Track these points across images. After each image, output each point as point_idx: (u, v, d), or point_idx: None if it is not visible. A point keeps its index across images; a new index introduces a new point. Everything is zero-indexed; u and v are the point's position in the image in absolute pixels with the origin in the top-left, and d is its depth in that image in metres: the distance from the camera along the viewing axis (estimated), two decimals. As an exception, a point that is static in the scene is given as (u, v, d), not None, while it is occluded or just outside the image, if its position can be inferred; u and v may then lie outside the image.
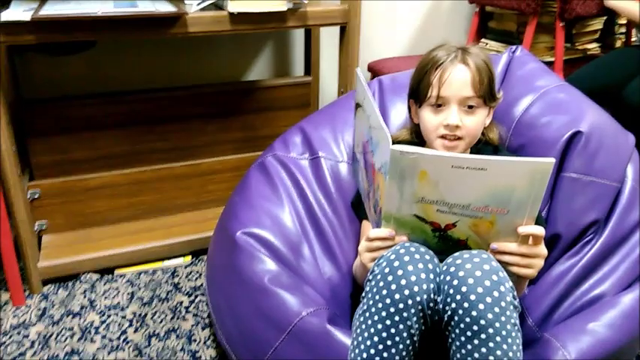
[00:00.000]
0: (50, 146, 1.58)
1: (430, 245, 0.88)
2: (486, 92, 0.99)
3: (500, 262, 0.84)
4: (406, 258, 0.83)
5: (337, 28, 1.59)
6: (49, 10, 1.23)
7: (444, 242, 0.88)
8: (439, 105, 0.99)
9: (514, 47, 1.35)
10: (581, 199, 1.09)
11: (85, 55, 1.66)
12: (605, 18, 2.07)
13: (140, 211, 1.66)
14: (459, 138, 0.99)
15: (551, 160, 0.77)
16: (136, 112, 1.66)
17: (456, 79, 0.97)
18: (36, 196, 1.52)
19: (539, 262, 0.86)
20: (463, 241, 0.87)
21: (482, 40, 2.11)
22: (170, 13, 1.30)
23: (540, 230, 0.84)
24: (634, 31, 1.94)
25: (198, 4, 1.37)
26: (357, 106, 1.05)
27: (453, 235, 0.87)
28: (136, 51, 1.77)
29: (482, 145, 1.09)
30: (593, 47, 2.07)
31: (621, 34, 2.15)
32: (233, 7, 1.35)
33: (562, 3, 1.81)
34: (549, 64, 1.81)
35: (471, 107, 0.99)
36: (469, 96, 0.97)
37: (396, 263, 0.83)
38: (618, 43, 2.15)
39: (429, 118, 1.00)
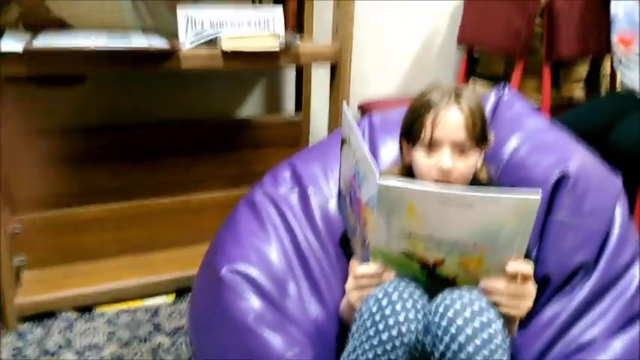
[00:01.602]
0: (35, 179, 1.56)
1: (418, 282, 0.87)
2: (479, 135, 0.99)
3: (489, 301, 0.83)
4: (394, 297, 0.81)
5: (328, 68, 1.61)
6: (42, 43, 1.23)
7: (432, 280, 0.86)
8: (431, 146, 0.99)
9: (501, 88, 1.37)
10: (570, 241, 1.09)
11: (75, 89, 1.66)
12: (588, 66, 2.12)
13: (124, 247, 1.63)
14: (452, 181, 0.99)
15: (537, 196, 0.77)
16: (125, 145, 1.65)
17: (450, 122, 0.97)
18: (17, 230, 1.49)
19: (528, 303, 0.84)
20: (452, 279, 0.85)
21: (471, 81, 2.15)
22: (164, 50, 1.31)
23: (528, 268, 0.82)
24: (618, 81, 1.99)
25: (192, 43, 1.38)
26: (343, 141, 1.05)
27: (442, 273, 0.85)
28: (127, 85, 1.78)
29: (473, 186, 1.08)
30: (579, 94, 2.11)
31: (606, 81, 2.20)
32: (226, 45, 1.36)
33: (548, 46, 1.86)
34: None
35: (463, 150, 0.98)
36: (462, 138, 0.97)
37: (384, 302, 0.81)
38: (603, 91, 2.20)
39: (421, 161, 1.00)
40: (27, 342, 1.36)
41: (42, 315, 1.45)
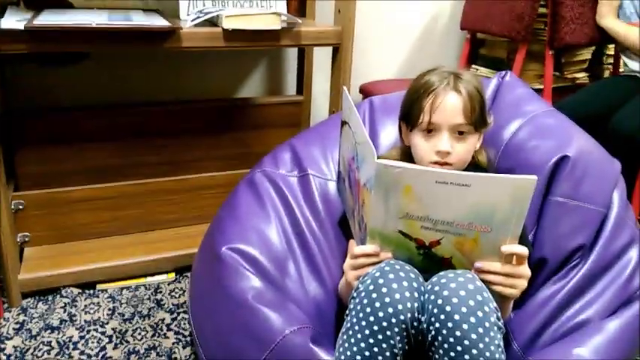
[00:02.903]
0: (37, 157, 1.57)
1: (415, 263, 0.88)
2: (477, 119, 0.99)
3: (483, 281, 0.84)
4: (391, 276, 0.82)
5: (330, 49, 1.61)
6: (43, 21, 1.23)
7: (428, 260, 0.88)
8: (430, 130, 0.99)
9: (503, 72, 1.37)
10: (567, 224, 1.10)
11: (76, 67, 1.66)
12: (593, 48, 2.11)
13: (125, 226, 1.64)
14: (450, 164, 0.99)
15: (533, 178, 0.78)
16: (126, 125, 1.65)
17: (448, 107, 0.97)
18: (20, 207, 1.50)
19: (523, 283, 0.86)
20: (447, 260, 0.87)
21: (473, 66, 2.15)
22: (164, 28, 1.30)
23: (524, 250, 0.84)
24: (622, 62, 1.98)
25: (193, 20, 1.38)
26: (343, 123, 1.05)
27: (438, 253, 0.86)
28: (128, 65, 1.78)
29: (471, 168, 1.09)
30: (582, 76, 2.11)
31: (609, 64, 2.19)
32: (227, 23, 1.36)
33: (551, 32, 1.85)
34: (538, 91, 1.84)
35: (461, 133, 0.98)
36: (460, 123, 0.97)
37: (381, 281, 0.82)
38: (606, 73, 2.19)
39: (420, 144, 1.00)
40: (30, 317, 1.38)
41: (45, 291, 1.47)
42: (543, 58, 1.91)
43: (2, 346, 1.28)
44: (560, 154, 1.13)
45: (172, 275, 1.58)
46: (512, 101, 1.28)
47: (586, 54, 2.10)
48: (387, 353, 0.80)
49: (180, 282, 1.56)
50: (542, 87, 1.95)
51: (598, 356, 0.95)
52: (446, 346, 0.79)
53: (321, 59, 1.94)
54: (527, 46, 1.88)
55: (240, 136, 1.82)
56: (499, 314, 0.82)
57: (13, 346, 1.28)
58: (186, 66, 1.85)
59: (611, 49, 2.15)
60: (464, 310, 0.78)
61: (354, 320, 0.83)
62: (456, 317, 0.78)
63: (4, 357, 1.25)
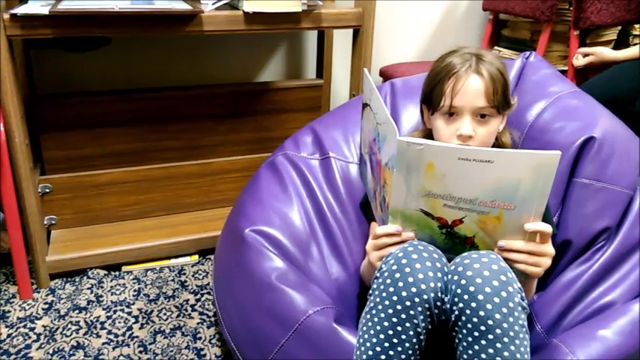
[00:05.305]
0: (62, 141, 1.59)
1: (437, 243, 0.88)
2: (500, 101, 0.97)
3: (507, 260, 0.84)
4: (414, 256, 0.83)
5: (350, 32, 1.60)
6: (66, 5, 1.24)
7: (451, 239, 0.87)
8: (452, 114, 0.98)
9: (527, 53, 1.35)
10: (593, 205, 1.08)
11: (99, 53, 1.68)
12: (619, 28, 2.06)
13: (149, 209, 1.67)
14: None
15: (557, 153, 0.77)
16: (149, 110, 1.67)
17: (470, 90, 0.95)
18: (47, 191, 1.53)
19: (547, 261, 0.85)
20: (470, 239, 0.86)
21: (496, 47, 2.11)
22: (186, 11, 1.31)
23: (547, 227, 0.83)
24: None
25: (214, 3, 1.38)
26: (364, 106, 1.05)
27: (460, 232, 0.86)
28: (150, 50, 1.79)
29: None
30: (607, 58, 2.05)
31: (635, 44, 2.13)
32: (248, 6, 1.36)
33: (577, 11, 1.81)
34: (562, 72, 1.80)
35: (484, 116, 0.97)
36: (482, 106, 0.95)
37: (404, 261, 0.82)
38: (632, 55, 2.13)
39: (441, 128, 0.99)
40: (59, 297, 1.42)
41: (72, 272, 1.51)
42: (568, 38, 1.87)
43: (32, 325, 1.32)
44: (586, 136, 1.11)
45: (195, 257, 1.60)
46: (537, 82, 1.27)
47: (611, 34, 2.04)
48: (410, 332, 0.80)
49: (203, 264, 1.58)
50: (566, 68, 1.91)
51: (623, 338, 0.94)
52: (469, 325, 0.79)
53: (341, 42, 1.93)
54: (552, 27, 1.84)
55: (260, 120, 1.83)
56: (523, 294, 0.82)
57: (43, 326, 1.32)
58: (207, 50, 1.86)
59: (637, 30, 2.09)
60: (487, 290, 0.78)
61: (378, 300, 0.83)
62: (480, 297, 0.78)
63: (34, 336, 1.28)
